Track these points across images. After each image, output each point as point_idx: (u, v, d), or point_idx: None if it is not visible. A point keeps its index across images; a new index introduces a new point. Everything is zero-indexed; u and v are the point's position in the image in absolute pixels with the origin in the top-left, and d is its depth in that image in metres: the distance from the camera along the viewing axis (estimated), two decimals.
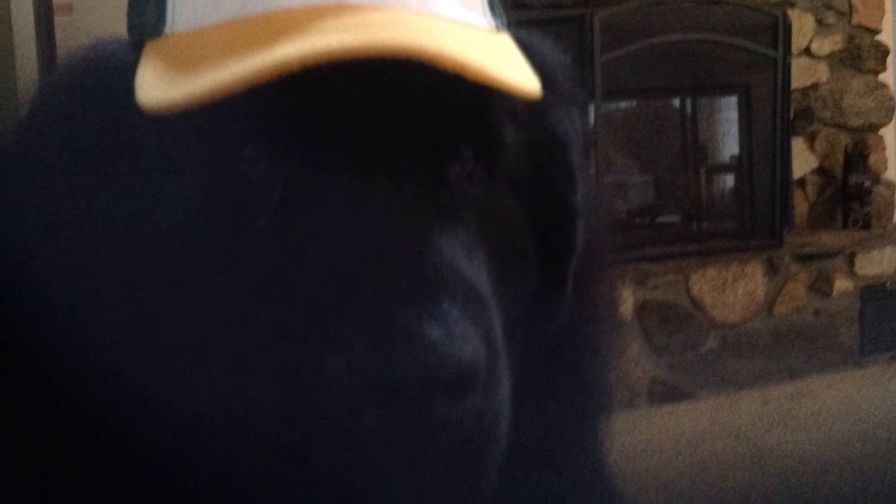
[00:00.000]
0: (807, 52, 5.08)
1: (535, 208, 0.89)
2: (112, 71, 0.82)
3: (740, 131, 4.85)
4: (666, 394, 4.19)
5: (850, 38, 5.18)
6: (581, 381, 0.97)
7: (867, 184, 5.06)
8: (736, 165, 4.91)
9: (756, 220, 4.76)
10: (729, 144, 4.94)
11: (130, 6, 0.84)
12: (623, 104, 4.93)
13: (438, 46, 0.73)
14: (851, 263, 4.71)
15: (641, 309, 4.20)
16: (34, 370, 0.77)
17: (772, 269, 4.52)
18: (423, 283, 0.71)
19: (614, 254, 1.08)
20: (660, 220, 4.88)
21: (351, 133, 0.76)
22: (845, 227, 5.09)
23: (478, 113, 0.80)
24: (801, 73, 5.01)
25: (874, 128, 5.25)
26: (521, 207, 0.87)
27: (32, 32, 2.44)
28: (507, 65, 0.79)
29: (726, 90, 4.90)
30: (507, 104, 0.82)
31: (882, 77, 5.26)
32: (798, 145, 5.08)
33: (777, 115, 4.65)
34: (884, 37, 5.23)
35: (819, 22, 5.10)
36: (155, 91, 0.74)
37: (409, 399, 0.66)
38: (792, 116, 4.89)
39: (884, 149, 5.26)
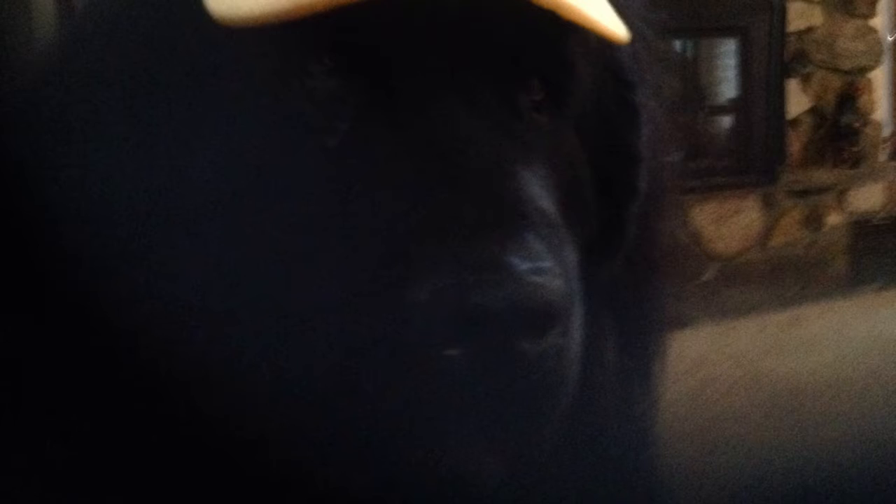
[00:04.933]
0: None
1: (599, 150, 0.83)
2: None
3: (738, 73, 4.77)
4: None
5: None
6: (638, 324, 0.91)
7: (857, 124, 4.99)
8: (733, 106, 4.85)
9: (752, 158, 4.71)
10: (727, 86, 4.86)
11: None
12: None
13: None
14: (842, 199, 4.67)
15: None
16: (107, 321, 0.71)
17: (767, 204, 4.49)
18: (508, 214, 0.64)
19: (675, 197, 1.01)
20: None
21: (426, 56, 0.70)
22: (836, 164, 5.02)
23: (554, 45, 0.75)
24: (797, 17, 4.92)
25: (864, 70, 5.16)
26: (585, 149, 0.82)
27: None
28: (598, 8, 0.74)
29: (725, 33, 4.82)
30: (580, 40, 0.77)
31: (872, 22, 5.16)
32: (792, 87, 5.00)
33: (773, 58, 4.59)
34: None
35: None
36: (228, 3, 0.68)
37: (493, 333, 0.60)
38: (787, 59, 4.82)
39: (872, 91, 5.18)
